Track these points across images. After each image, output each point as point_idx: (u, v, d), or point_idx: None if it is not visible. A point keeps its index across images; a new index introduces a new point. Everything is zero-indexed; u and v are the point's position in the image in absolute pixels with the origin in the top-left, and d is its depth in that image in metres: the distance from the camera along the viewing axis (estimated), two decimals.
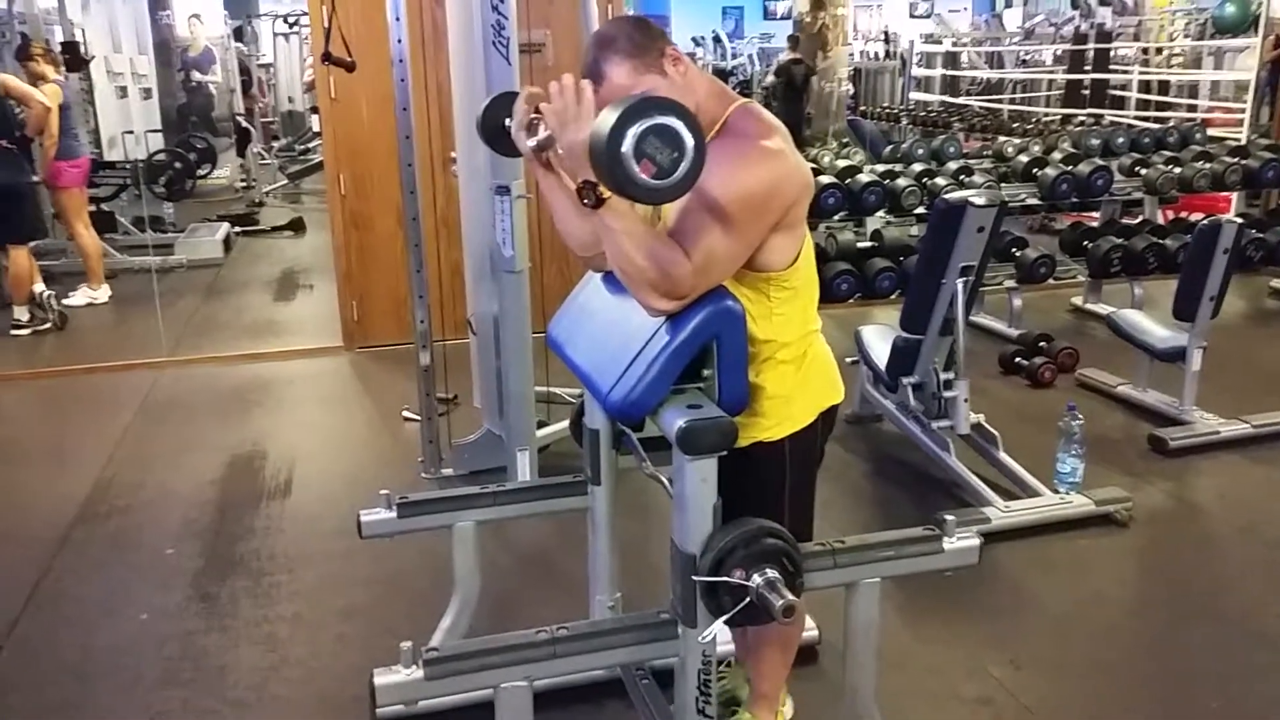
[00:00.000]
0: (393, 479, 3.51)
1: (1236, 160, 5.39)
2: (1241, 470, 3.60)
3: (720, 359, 1.63)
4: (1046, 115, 10.37)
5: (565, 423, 3.54)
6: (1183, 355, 3.88)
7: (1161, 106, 9.84)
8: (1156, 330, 4.02)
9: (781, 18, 18.76)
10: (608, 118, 1.37)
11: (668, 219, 1.71)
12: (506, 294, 3.15)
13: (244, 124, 9.82)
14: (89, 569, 3.00)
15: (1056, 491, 3.26)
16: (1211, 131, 6.98)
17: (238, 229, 7.85)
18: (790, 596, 1.51)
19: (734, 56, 15.70)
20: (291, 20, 12.03)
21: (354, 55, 3.20)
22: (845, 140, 9.37)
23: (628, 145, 1.35)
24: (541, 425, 3.44)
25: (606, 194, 1.51)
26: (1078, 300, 5.75)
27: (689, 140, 1.38)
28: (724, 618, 1.56)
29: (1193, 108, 9.61)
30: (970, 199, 3.21)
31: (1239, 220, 3.80)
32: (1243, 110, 7.63)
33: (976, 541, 1.82)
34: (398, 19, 3.09)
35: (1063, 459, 3.34)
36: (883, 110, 11.55)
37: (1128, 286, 5.26)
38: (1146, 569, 3.03)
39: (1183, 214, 6.33)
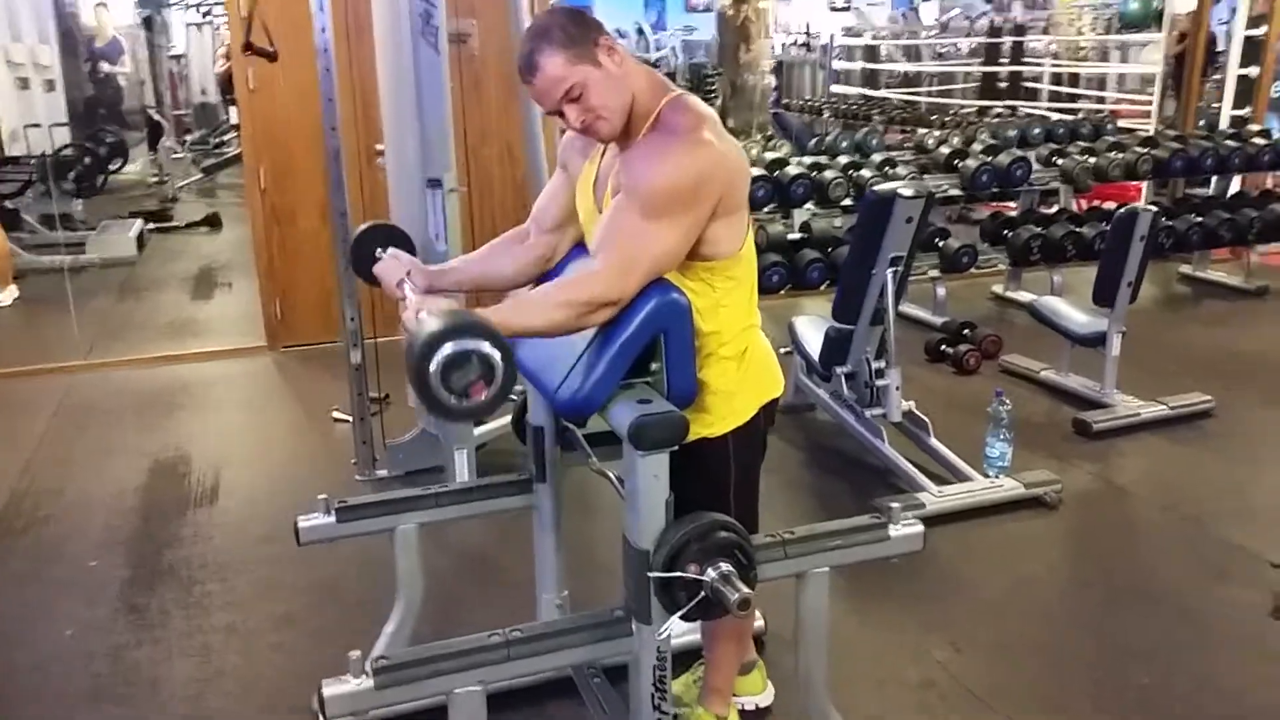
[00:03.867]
0: (325, 482, 3.44)
1: (1147, 150, 5.58)
2: (1161, 450, 3.73)
3: (668, 352, 1.62)
4: (963, 107, 10.60)
5: (504, 420, 3.50)
6: (1103, 340, 4.00)
7: (1072, 98, 10.13)
8: (1077, 316, 4.14)
9: (703, 10, 18.83)
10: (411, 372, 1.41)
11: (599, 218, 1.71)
12: None
13: (155, 117, 9.49)
14: (8, 584, 2.87)
15: (986, 476, 3.33)
16: (1121, 123, 7.22)
17: (151, 225, 7.58)
18: (745, 590, 1.51)
19: (657, 49, 15.71)
20: (204, 10, 11.66)
21: (275, 45, 3.10)
22: (770, 133, 9.44)
23: (443, 393, 1.40)
24: (478, 423, 3.39)
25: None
26: (998, 288, 5.88)
27: (483, 344, 1.41)
28: (679, 613, 1.56)
29: (1101, 99, 9.90)
30: (899, 190, 3.25)
31: (1154, 208, 3.92)
32: (1149, 103, 7.90)
33: (920, 528, 1.85)
34: (321, 8, 3.01)
35: (991, 443, 3.42)
36: (805, 103, 11.69)
37: (1046, 274, 5.40)
38: (1076, 550, 3.11)
39: (1096, 203, 6.53)
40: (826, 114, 11.21)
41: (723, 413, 1.78)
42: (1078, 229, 5.24)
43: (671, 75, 13.72)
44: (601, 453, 2.04)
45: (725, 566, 1.54)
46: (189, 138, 11.21)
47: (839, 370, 3.46)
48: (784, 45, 13.72)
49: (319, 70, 3.07)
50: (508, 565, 2.86)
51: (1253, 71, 6.88)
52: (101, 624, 2.65)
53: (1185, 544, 3.05)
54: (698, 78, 12.02)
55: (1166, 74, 7.18)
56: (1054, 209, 5.76)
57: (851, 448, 3.60)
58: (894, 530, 1.81)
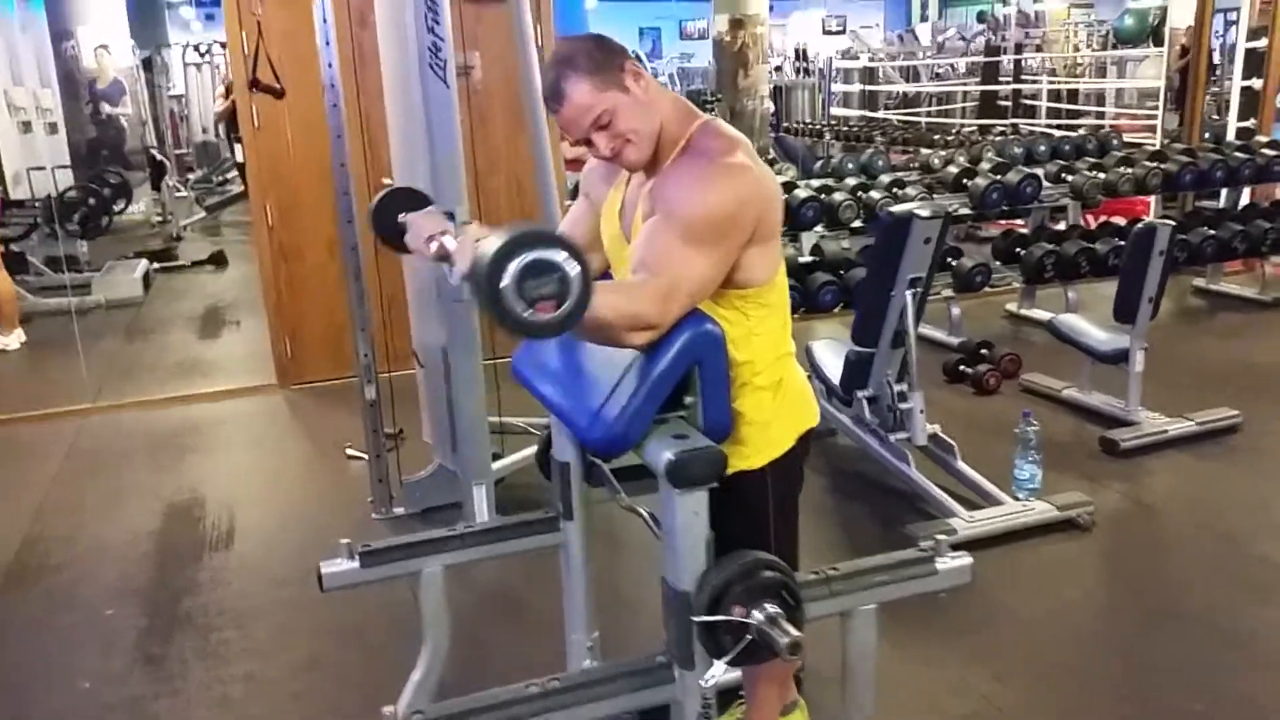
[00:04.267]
0: (341, 521, 3.39)
1: (1156, 164, 5.55)
2: (1190, 468, 3.66)
3: (703, 385, 1.57)
4: (963, 127, 10.61)
5: (522, 454, 3.46)
6: (1125, 357, 3.94)
7: (1071, 115, 10.14)
8: (1098, 333, 4.08)
9: (698, 38, 18.95)
10: (480, 277, 1.32)
11: (633, 241, 1.66)
12: (455, 323, 3.05)
13: (158, 157, 9.49)
14: (22, 634, 2.81)
15: (1016, 498, 3.27)
16: (1125, 138, 7.20)
17: (156, 265, 7.56)
18: (795, 633, 1.44)
19: (654, 76, 15.77)
20: (203, 49, 11.71)
21: (281, 81, 3.08)
22: (772, 157, 9.43)
23: (513, 299, 1.30)
24: (496, 458, 3.34)
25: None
26: (1012, 306, 5.84)
27: (561, 257, 1.32)
28: (725, 659, 1.49)
29: (1100, 114, 9.92)
30: (916, 211, 3.21)
31: (1171, 223, 3.88)
32: (1151, 117, 7.90)
33: (969, 560, 1.78)
34: (327, 43, 2.99)
35: (1021, 465, 3.36)
36: (805, 126, 11.70)
37: (1059, 291, 5.35)
38: (1113, 573, 3.04)
39: (1104, 218, 6.49)
40: (828, 136, 11.23)
41: (759, 444, 1.73)
42: (1090, 245, 5.19)
43: None
44: (630, 488, 1.98)
45: (772, 608, 1.48)
46: (191, 176, 11.23)
47: (860, 394, 3.41)
48: (780, 70, 13.75)
49: (326, 106, 3.04)
50: (533, 603, 2.79)
51: (1255, 83, 6.88)
52: (118, 675, 2.58)
53: (1220, 563, 2.98)
54: (696, 104, 12.03)
55: (1169, 88, 7.16)
56: (1062, 225, 5.73)
57: (875, 472, 3.54)
58: (941, 564, 1.74)
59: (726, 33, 10.92)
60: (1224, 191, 6.25)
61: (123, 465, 4.03)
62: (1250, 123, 6.88)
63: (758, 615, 1.48)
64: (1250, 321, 5.54)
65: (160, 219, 9.12)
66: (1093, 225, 5.87)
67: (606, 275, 1.86)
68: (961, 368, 4.62)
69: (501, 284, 1.29)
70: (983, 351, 4.76)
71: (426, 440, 3.57)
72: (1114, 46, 11.81)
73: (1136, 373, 3.96)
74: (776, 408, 1.75)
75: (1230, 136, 6.67)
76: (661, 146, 1.66)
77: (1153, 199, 6.72)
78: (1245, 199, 6.26)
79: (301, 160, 4.59)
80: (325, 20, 2.93)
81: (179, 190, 9.99)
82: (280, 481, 3.89)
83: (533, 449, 3.51)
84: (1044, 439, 3.36)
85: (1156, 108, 9.05)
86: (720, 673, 1.49)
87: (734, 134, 1.66)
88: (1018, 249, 5.28)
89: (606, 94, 1.60)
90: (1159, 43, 9.27)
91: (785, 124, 11.86)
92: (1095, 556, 3.07)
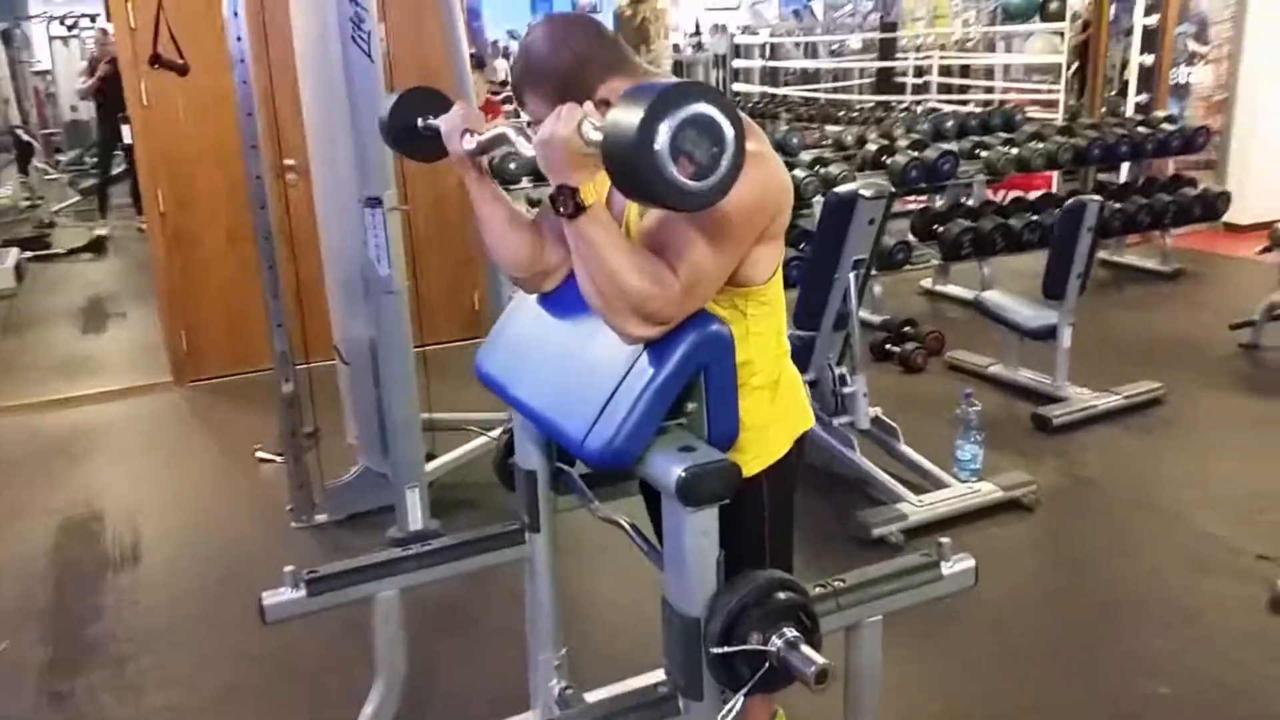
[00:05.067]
0: (257, 531, 3.16)
1: (1067, 139, 5.63)
2: (1121, 442, 3.70)
3: (710, 390, 1.43)
4: (861, 103, 10.67)
5: (456, 453, 3.28)
6: (1053, 333, 3.96)
7: (963, 90, 10.30)
8: (1025, 310, 4.10)
9: (591, 10, 18.68)
10: (632, 109, 1.14)
11: (638, 233, 1.50)
12: (384, 316, 2.84)
13: (24, 137, 8.82)
14: None
15: (960, 480, 3.24)
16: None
17: (28, 254, 7.03)
18: (821, 660, 1.32)
19: None
20: (69, 23, 10.93)
21: (185, 57, 2.80)
22: None
23: (663, 141, 1.13)
24: (429, 458, 3.14)
25: (589, 200, 1.31)
26: (927, 283, 5.86)
27: (728, 132, 1.17)
28: (743, 690, 1.37)
29: (989, 89, 10.09)
30: (860, 192, 3.14)
31: (1100, 199, 3.90)
32: (1038, 91, 8.05)
33: (971, 562, 1.70)
34: (236, 14, 2.72)
35: (962, 446, 3.33)
36: None
37: (971, 266, 5.38)
38: (1062, 553, 3.03)
39: (1004, 194, 6.55)
40: None
41: (756, 450, 1.60)
42: (1006, 221, 5.23)
43: None
44: (599, 494, 1.85)
45: (791, 633, 1.36)
46: (62, 158, 10.50)
47: (802, 379, 3.32)
48: (677, 45, 13.62)
49: (235, 83, 2.78)
50: (487, 620, 2.62)
51: (1148, 60, 7.06)
52: (24, 717, 2.32)
53: (1164, 539, 3.00)
54: None
55: (1070, 63, 7.30)
56: (969, 201, 5.76)
57: (821, 459, 3.46)
58: (946, 568, 1.66)
59: (627, 6, 10.75)
60: (1125, 166, 6.41)
61: (9, 477, 3.68)
62: (1143, 98, 7.07)
63: (776, 641, 1.36)
64: (1156, 293, 5.69)
65: (29, 204, 8.48)
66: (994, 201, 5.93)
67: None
68: (888, 346, 4.61)
69: (655, 141, 1.12)
70: (907, 330, 4.76)
71: (351, 441, 3.35)
72: (1001, 22, 12.04)
73: (1064, 348, 3.99)
74: (774, 410, 1.63)
75: (1130, 112, 6.82)
76: None
77: (1055, 174, 6.84)
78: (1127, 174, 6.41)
79: (196, 141, 4.27)
80: None
81: (49, 172, 9.31)
82: (186, 489, 3.60)
83: (467, 446, 3.34)
84: (984, 419, 3.34)
85: (1044, 83, 9.35)
86: (739, 707, 1.37)
87: (747, 119, 1.52)
88: (935, 226, 5.29)
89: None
90: (1046, 18, 9.46)
91: None
92: (1043, 537, 3.07)
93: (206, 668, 2.51)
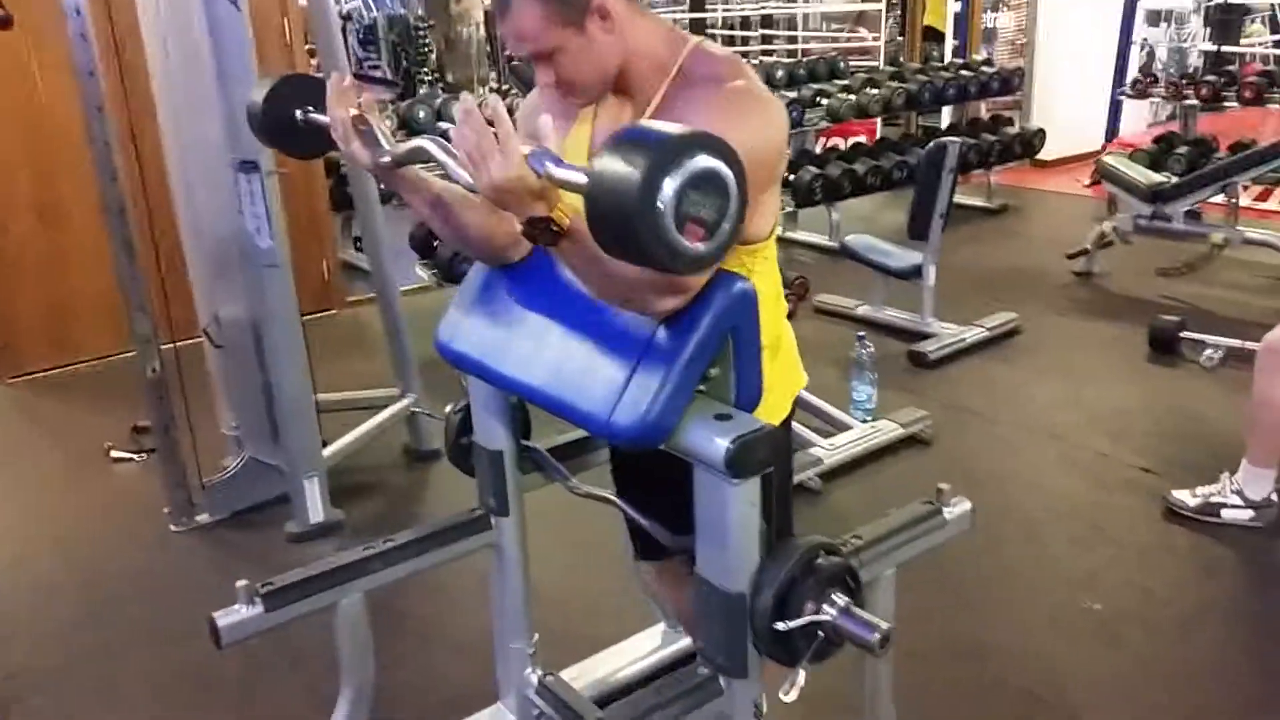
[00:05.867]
0: (131, 539, 2.87)
1: (900, 85, 5.81)
2: (994, 371, 3.88)
3: (737, 352, 1.35)
4: None
5: (351, 436, 3.06)
6: (919, 272, 4.09)
7: (766, 40, 10.48)
8: (893, 251, 4.21)
9: None
10: (623, 160, 1.00)
11: None
12: (269, 292, 2.59)
13: None
14: None
15: (863, 421, 3.30)
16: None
17: None
18: (884, 625, 1.28)
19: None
20: None
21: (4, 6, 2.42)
22: (509, 87, 9.04)
23: (667, 203, 1.00)
24: (322, 444, 2.90)
25: (565, 219, 1.20)
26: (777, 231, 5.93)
27: (733, 188, 1.05)
28: (802, 664, 1.31)
29: (792, 39, 10.31)
30: None
31: (959, 140, 4.03)
32: (837, 40, 8.25)
33: (968, 505, 1.71)
34: None
35: (858, 387, 3.41)
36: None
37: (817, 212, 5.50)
38: (971, 484, 3.05)
39: (832, 140, 6.72)
40: None
41: (761, 413, 1.53)
42: (851, 166, 5.37)
43: (370, 29, 12.86)
44: (569, 467, 1.75)
45: (842, 599, 1.31)
46: None
47: None
48: None
49: (71, 36, 2.42)
50: (420, 611, 2.44)
51: (957, 6, 7.39)
52: None
53: (1063, 461, 3.16)
54: (405, 32, 11.31)
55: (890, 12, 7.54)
56: (813, 149, 5.87)
57: None
58: (948, 514, 1.65)
59: None
60: (945, 110, 6.70)
61: None
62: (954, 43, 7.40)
63: (829, 610, 1.31)
64: (987, 228, 5.99)
65: None
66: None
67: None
68: None
69: (658, 199, 0.98)
70: None
71: (227, 431, 3.06)
72: None
73: (930, 286, 4.13)
74: (775, 371, 1.55)
75: (948, 57, 7.11)
76: (639, 75, 1.40)
77: (878, 120, 7.07)
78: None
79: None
80: None
81: None
82: (36, 501, 3.19)
83: (362, 428, 3.12)
84: (845, 357, 3.41)
85: (841, 31, 9.66)
86: (802, 681, 1.31)
87: (733, 56, 1.42)
88: (787, 174, 5.35)
89: (556, 30, 1.31)
90: None
91: (508, 52, 11.41)
92: (948, 466, 3.15)
93: (108, 698, 2.24)
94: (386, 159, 1.37)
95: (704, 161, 1.02)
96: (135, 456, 3.31)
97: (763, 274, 1.50)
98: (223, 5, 2.36)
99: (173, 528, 2.88)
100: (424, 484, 3.21)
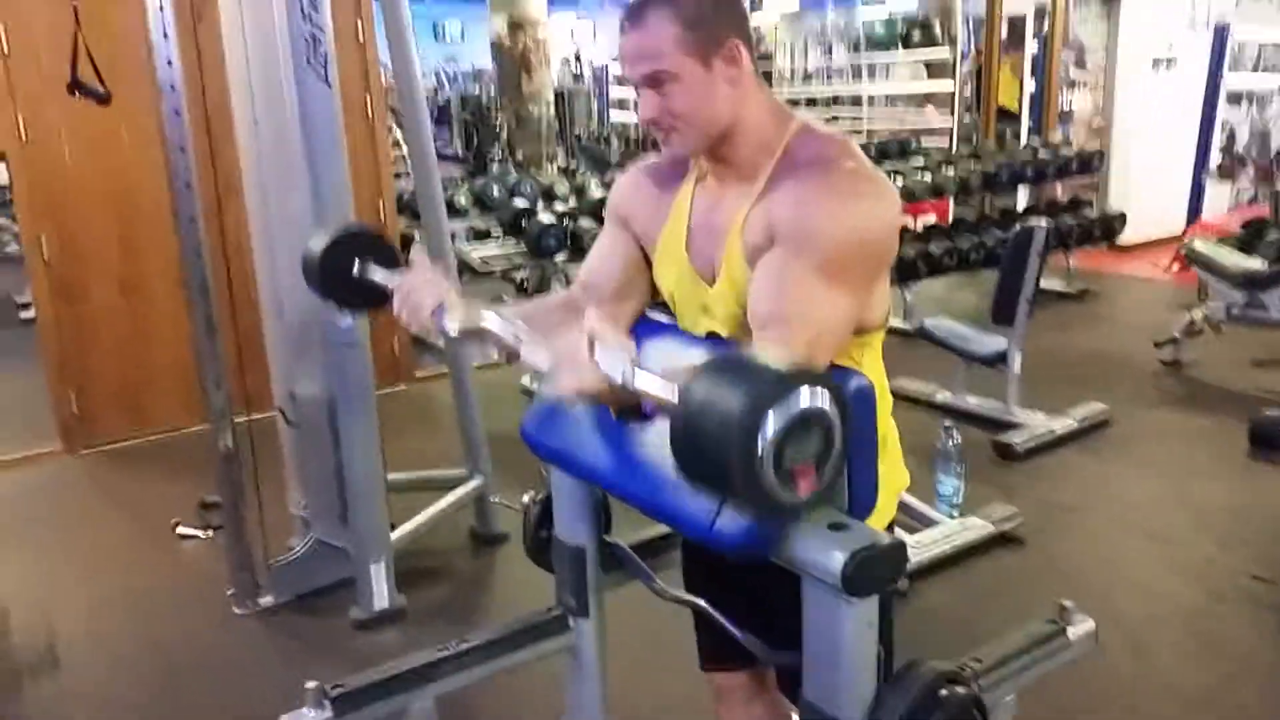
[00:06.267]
0: (195, 620, 2.80)
1: (975, 165, 5.73)
2: (1087, 466, 3.69)
3: (853, 455, 1.24)
4: None
5: (419, 519, 2.98)
6: (1003, 358, 3.95)
7: (832, 120, 10.48)
8: (976, 335, 4.07)
9: (453, 40, 18.36)
10: (722, 389, 0.93)
11: (744, 283, 1.31)
12: (346, 372, 2.55)
13: None
14: None
15: (951, 517, 3.15)
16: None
17: None
18: None
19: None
20: None
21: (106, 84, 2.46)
22: (576, 165, 9.14)
23: (766, 450, 0.92)
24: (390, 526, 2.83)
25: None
26: None
27: (838, 432, 0.98)
28: None
29: (855, 118, 10.30)
30: None
31: (1047, 223, 3.92)
32: (903, 118, 8.19)
33: (1091, 624, 1.56)
34: (165, 35, 2.40)
35: (944, 480, 3.25)
36: (594, 133, 11.53)
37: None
38: (1069, 584, 2.89)
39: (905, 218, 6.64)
40: (615, 143, 11.09)
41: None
42: (925, 246, 5.27)
43: (444, 108, 13.20)
44: (652, 565, 1.64)
45: None
46: None
47: None
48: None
49: (165, 112, 2.44)
50: (500, 709, 2.33)
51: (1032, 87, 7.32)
52: None
53: (1167, 565, 2.96)
54: (478, 110, 11.58)
55: (962, 92, 7.50)
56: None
57: None
58: (1072, 633, 1.51)
59: (506, 35, 10.54)
60: (1021, 191, 6.58)
61: None
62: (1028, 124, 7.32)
63: None
64: (1068, 313, 5.80)
65: None
66: None
67: (649, 324, 1.51)
68: None
69: (757, 454, 0.90)
70: None
71: (296, 511, 3.00)
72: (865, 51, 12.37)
73: (1015, 373, 3.98)
74: (883, 469, 1.45)
75: (1024, 137, 7.03)
76: (745, 149, 1.33)
77: (950, 201, 6.98)
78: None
79: (84, 180, 3.87)
80: (162, 8, 2.34)
81: None
82: (100, 575, 3.15)
83: (430, 511, 3.04)
84: (929, 447, 3.26)
85: (909, 110, 9.65)
86: None
87: (841, 135, 1.35)
88: None
89: (682, 56, 1.26)
90: (906, 46, 9.75)
91: (577, 131, 11.62)
92: (1044, 568, 2.98)
93: None
94: (454, 331, 1.33)
95: (800, 405, 0.93)
96: (201, 533, 3.27)
97: (870, 365, 1.41)
98: (314, 82, 2.37)
99: (236, 610, 2.81)
100: (490, 570, 3.12)
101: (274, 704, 1.51)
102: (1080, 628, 1.54)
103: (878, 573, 1.15)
